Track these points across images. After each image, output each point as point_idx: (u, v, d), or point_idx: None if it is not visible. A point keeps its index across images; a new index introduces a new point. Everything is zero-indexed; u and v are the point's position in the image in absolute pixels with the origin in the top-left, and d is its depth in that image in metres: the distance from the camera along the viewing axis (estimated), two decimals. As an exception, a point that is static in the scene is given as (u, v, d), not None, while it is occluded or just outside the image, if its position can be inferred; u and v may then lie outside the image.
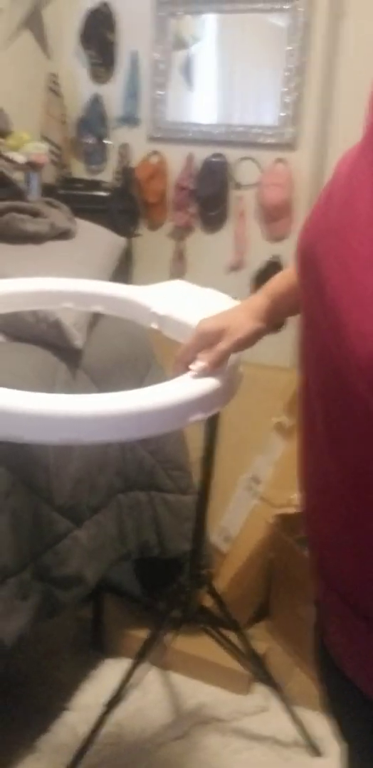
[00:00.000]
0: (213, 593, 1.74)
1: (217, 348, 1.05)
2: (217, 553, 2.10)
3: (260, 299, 1.14)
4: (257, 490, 2.22)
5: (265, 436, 2.27)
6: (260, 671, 1.76)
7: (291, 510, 2.13)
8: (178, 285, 1.43)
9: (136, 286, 1.43)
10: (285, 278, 1.15)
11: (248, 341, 1.10)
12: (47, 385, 1.54)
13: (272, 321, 1.14)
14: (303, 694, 1.90)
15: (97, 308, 1.42)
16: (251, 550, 2.11)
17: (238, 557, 2.11)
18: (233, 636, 1.79)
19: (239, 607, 2.06)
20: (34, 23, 2.87)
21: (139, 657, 1.66)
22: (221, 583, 2.05)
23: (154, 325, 1.28)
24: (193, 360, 1.07)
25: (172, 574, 1.99)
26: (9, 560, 1.39)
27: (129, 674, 1.62)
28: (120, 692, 1.61)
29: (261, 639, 2.05)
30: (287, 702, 1.75)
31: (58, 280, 1.44)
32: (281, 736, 1.79)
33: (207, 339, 1.08)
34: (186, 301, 1.31)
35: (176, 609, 1.74)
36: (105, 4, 3.00)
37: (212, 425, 1.62)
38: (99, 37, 3.02)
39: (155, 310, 1.26)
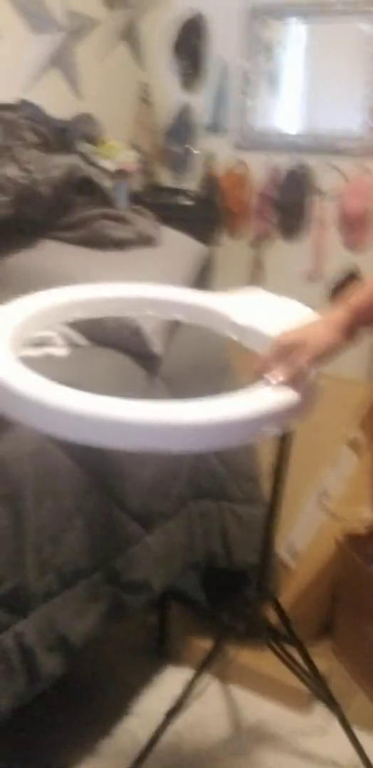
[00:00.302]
0: (278, 608, 1.74)
1: (296, 362, 1.04)
2: (283, 567, 2.09)
3: (341, 313, 1.12)
4: (326, 505, 2.20)
5: (337, 450, 2.23)
6: (322, 690, 1.74)
7: (360, 528, 2.10)
8: (256, 293, 1.42)
9: (214, 294, 1.44)
10: (367, 291, 1.14)
11: (328, 355, 1.09)
12: (126, 390, 1.57)
13: (353, 335, 1.13)
14: (365, 718, 1.87)
15: (178, 316, 1.44)
16: (317, 566, 2.09)
17: (304, 573, 2.09)
18: (295, 653, 1.78)
19: (302, 623, 2.03)
20: (129, 35, 2.94)
21: (202, 667, 1.66)
22: (286, 598, 2.03)
23: (234, 336, 1.27)
24: (271, 372, 1.06)
25: (238, 586, 1.99)
26: (82, 562, 1.43)
27: (191, 684, 1.63)
28: (181, 702, 1.62)
29: (323, 657, 2.02)
30: (348, 724, 1.72)
31: (140, 287, 1.47)
32: (339, 758, 1.76)
33: (286, 352, 1.07)
34: (265, 312, 1.30)
35: (241, 622, 1.73)
36: (198, 15, 3.04)
37: (285, 438, 1.61)
38: (190, 46, 3.06)
39: (235, 320, 1.26)
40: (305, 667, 1.74)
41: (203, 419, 0.95)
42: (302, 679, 1.77)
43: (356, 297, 1.14)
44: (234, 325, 1.27)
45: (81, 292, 1.37)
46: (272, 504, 1.66)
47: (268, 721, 1.85)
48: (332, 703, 1.72)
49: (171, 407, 0.97)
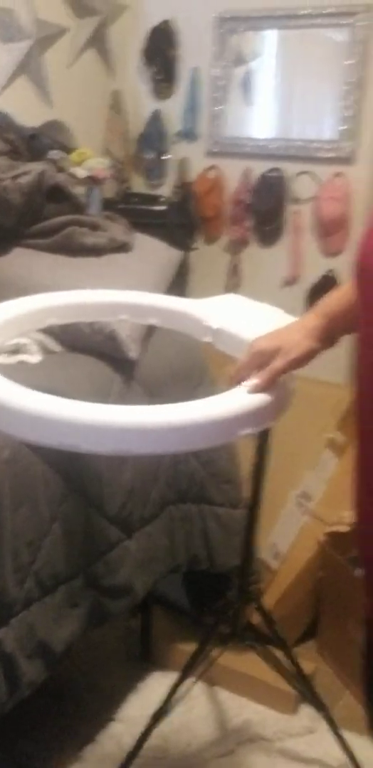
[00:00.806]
0: (261, 610, 1.73)
1: (271, 367, 1.06)
2: (266, 569, 2.09)
3: (315, 318, 1.14)
4: (307, 507, 2.20)
5: (317, 452, 2.24)
6: (308, 691, 1.73)
7: (342, 528, 2.10)
8: (232, 299, 1.43)
9: (190, 299, 1.45)
10: (341, 296, 1.14)
11: (303, 361, 1.10)
12: (102, 395, 1.57)
13: (327, 340, 1.14)
14: (351, 717, 1.86)
15: (153, 321, 1.44)
16: (300, 567, 2.09)
17: (287, 574, 2.09)
18: (280, 654, 1.77)
19: (287, 625, 2.04)
20: (98, 42, 2.95)
21: (186, 671, 1.66)
22: (270, 600, 2.03)
23: (208, 339, 1.29)
24: (246, 378, 1.07)
25: (221, 588, 1.99)
26: (61, 568, 1.42)
27: (175, 688, 1.63)
28: (166, 705, 1.61)
29: (309, 658, 2.02)
30: (334, 724, 1.72)
31: (114, 292, 1.47)
32: (327, 759, 1.76)
33: (261, 357, 1.08)
34: (240, 316, 1.31)
35: (224, 624, 1.73)
36: (167, 22, 3.05)
37: (263, 439, 1.61)
38: (161, 54, 3.07)
39: (209, 323, 1.27)
40: (290, 668, 1.74)
41: (175, 421, 0.95)
42: (288, 680, 1.77)
43: (330, 302, 1.15)
44: (208, 329, 1.28)
45: (55, 298, 1.36)
46: (252, 505, 1.66)
47: (255, 723, 1.85)
48: (317, 704, 1.72)
49: (143, 410, 0.97)
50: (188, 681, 1.69)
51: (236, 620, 1.70)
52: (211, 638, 1.69)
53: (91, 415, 0.95)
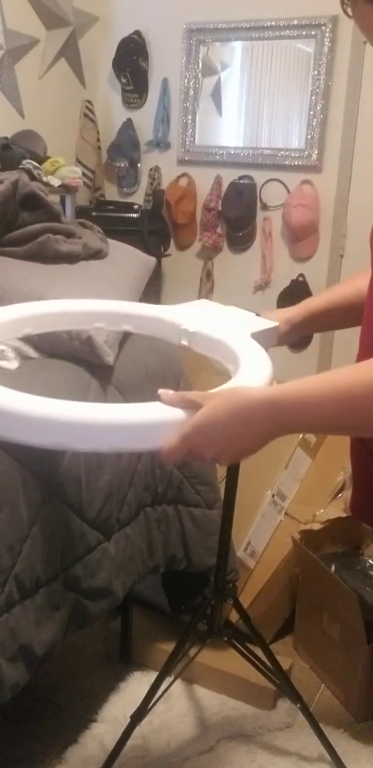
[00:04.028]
0: (238, 607, 1.77)
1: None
2: (243, 568, 2.13)
3: (295, 309, 1.24)
4: (282, 506, 2.25)
5: (290, 452, 2.29)
6: (285, 685, 1.77)
7: (316, 526, 2.15)
8: (203, 304, 1.47)
9: (163, 305, 1.48)
10: (333, 294, 1.22)
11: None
12: (80, 399, 1.59)
13: (299, 327, 1.23)
14: (328, 711, 1.91)
15: (128, 328, 1.46)
16: (276, 565, 2.13)
17: (263, 573, 2.13)
18: (258, 650, 1.81)
19: (264, 622, 2.08)
20: (70, 52, 2.98)
21: (164, 670, 1.68)
22: (247, 598, 2.07)
23: (184, 342, 1.31)
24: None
25: (199, 588, 2.02)
26: (41, 571, 1.43)
27: (154, 688, 1.65)
28: (145, 706, 1.63)
29: (286, 654, 2.06)
30: (312, 717, 1.76)
31: (89, 301, 1.49)
32: (305, 752, 1.80)
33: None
34: (214, 319, 1.35)
35: (201, 622, 1.76)
36: (138, 33, 3.10)
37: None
38: (132, 64, 3.12)
39: (185, 327, 1.29)
40: (268, 665, 1.77)
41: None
42: (266, 676, 1.80)
43: (318, 299, 1.26)
44: (184, 332, 1.30)
45: (30, 308, 1.37)
46: (227, 503, 1.69)
47: (234, 719, 1.88)
48: (295, 697, 1.75)
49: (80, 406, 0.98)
50: (167, 680, 1.71)
51: (214, 617, 1.73)
52: (188, 636, 1.72)
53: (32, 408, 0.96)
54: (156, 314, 1.39)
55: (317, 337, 2.91)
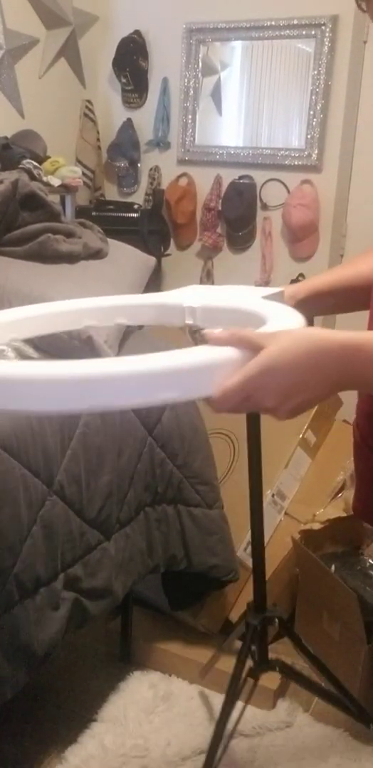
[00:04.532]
0: (289, 632, 1.70)
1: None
2: (243, 567, 2.12)
3: (299, 285, 1.18)
4: (282, 505, 2.25)
5: (290, 452, 2.29)
6: (353, 707, 1.69)
7: (316, 526, 2.15)
8: (194, 287, 1.39)
9: (154, 293, 1.42)
10: (337, 273, 1.20)
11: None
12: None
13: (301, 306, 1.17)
14: (328, 711, 1.91)
15: (122, 320, 1.35)
16: (276, 565, 2.13)
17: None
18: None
19: (264, 622, 2.08)
20: (70, 52, 2.98)
21: (230, 695, 1.61)
22: (247, 598, 2.06)
23: (189, 320, 1.19)
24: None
25: (199, 588, 2.02)
26: (41, 570, 1.44)
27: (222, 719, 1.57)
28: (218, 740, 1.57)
29: (286, 654, 2.06)
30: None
31: (78, 300, 1.41)
32: (305, 752, 1.80)
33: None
34: (213, 293, 1.28)
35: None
36: (138, 33, 3.09)
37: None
38: (132, 64, 3.11)
39: (189, 304, 1.19)
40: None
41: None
42: (330, 700, 1.74)
43: (322, 277, 1.19)
44: (188, 309, 1.21)
45: (13, 313, 1.29)
46: (254, 522, 1.65)
47: (233, 719, 1.87)
48: (367, 718, 1.68)
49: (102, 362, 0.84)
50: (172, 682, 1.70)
51: (261, 646, 1.64)
52: (241, 672, 1.61)
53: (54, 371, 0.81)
54: (152, 301, 1.32)
55: (318, 325, 2.91)
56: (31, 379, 0.81)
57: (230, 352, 0.81)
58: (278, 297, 1.16)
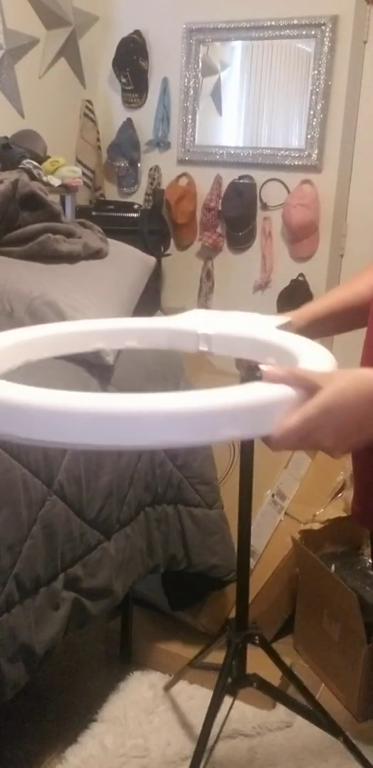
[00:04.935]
0: (268, 649, 1.69)
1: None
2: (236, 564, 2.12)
3: (298, 313, 1.20)
4: (282, 505, 2.25)
5: (290, 452, 2.29)
6: (324, 719, 1.68)
7: (316, 526, 2.15)
8: (198, 312, 1.38)
9: (163, 317, 1.40)
10: (333, 299, 1.21)
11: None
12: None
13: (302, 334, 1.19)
14: (328, 711, 1.91)
15: (132, 344, 1.32)
16: (276, 565, 2.13)
17: (263, 572, 2.13)
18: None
19: (264, 622, 2.07)
20: (70, 52, 2.98)
21: (212, 710, 1.61)
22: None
23: (204, 347, 1.18)
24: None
25: (199, 588, 2.02)
26: (41, 570, 1.44)
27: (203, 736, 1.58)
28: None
29: (286, 654, 2.06)
30: (355, 749, 1.68)
31: (87, 321, 1.40)
32: (305, 752, 1.80)
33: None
34: (224, 320, 1.28)
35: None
36: (138, 33, 3.10)
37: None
38: (132, 64, 3.11)
39: (203, 331, 1.18)
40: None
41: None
42: (300, 712, 1.75)
43: (318, 304, 1.22)
44: (203, 336, 1.21)
45: (26, 334, 1.27)
46: (241, 548, 1.65)
47: (233, 719, 1.87)
48: (336, 730, 1.68)
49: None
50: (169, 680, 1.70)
51: (240, 662, 1.63)
52: (222, 689, 1.61)
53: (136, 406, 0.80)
54: (163, 325, 1.31)
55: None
56: (103, 414, 0.79)
57: (288, 391, 0.82)
58: (288, 327, 1.18)
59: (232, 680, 1.62)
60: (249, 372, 1.24)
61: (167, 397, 0.79)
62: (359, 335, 1.14)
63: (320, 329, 1.22)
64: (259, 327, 1.16)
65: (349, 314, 1.20)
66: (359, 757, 1.67)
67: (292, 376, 0.82)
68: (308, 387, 0.81)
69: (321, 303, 1.25)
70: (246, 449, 1.58)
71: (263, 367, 0.86)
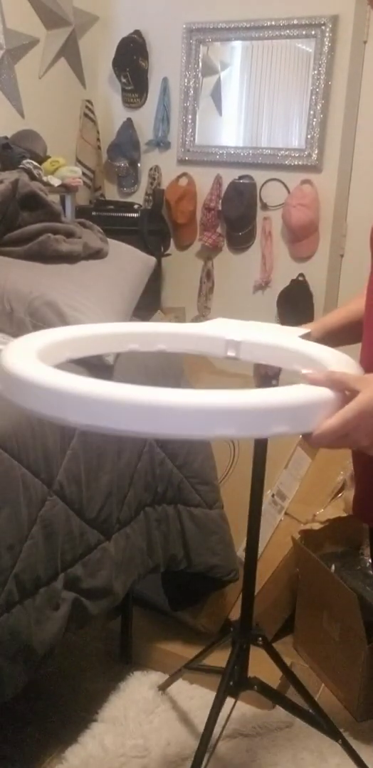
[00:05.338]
0: (271, 651, 1.69)
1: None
2: (243, 567, 2.12)
3: (312, 326, 1.29)
4: (282, 505, 2.25)
5: (290, 452, 2.29)
6: (324, 722, 1.68)
7: (316, 526, 2.15)
8: (224, 321, 1.43)
9: (189, 324, 1.44)
10: (342, 312, 1.28)
11: None
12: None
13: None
14: (328, 711, 1.90)
15: (163, 347, 1.36)
16: (276, 565, 2.13)
17: (264, 572, 2.13)
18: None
19: (264, 622, 2.08)
20: (70, 52, 2.98)
21: (214, 713, 1.60)
22: (247, 598, 2.07)
23: (232, 353, 1.26)
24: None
25: (199, 588, 2.02)
26: (41, 570, 1.44)
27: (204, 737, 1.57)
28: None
29: (286, 654, 2.06)
30: (354, 752, 1.68)
31: (122, 324, 1.46)
32: (305, 752, 1.80)
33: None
34: (250, 328, 1.33)
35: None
36: (138, 33, 3.10)
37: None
38: (132, 64, 3.12)
39: (232, 337, 1.26)
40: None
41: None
42: (301, 716, 1.74)
43: (330, 317, 1.30)
44: (231, 343, 1.27)
45: (66, 333, 1.31)
46: (250, 549, 1.66)
47: (233, 719, 1.87)
48: (335, 734, 1.69)
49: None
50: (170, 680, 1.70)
51: (243, 663, 1.64)
52: (224, 690, 1.61)
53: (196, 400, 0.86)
54: (192, 331, 1.36)
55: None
56: (172, 406, 0.86)
57: (329, 394, 0.90)
58: (308, 337, 1.28)
59: (233, 683, 1.63)
60: (265, 379, 1.35)
61: (227, 393, 0.86)
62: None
63: (332, 341, 1.26)
64: (283, 336, 1.24)
65: (358, 327, 1.23)
66: (357, 760, 1.67)
67: (332, 380, 0.90)
68: (347, 389, 0.89)
69: (334, 317, 1.32)
70: (259, 449, 1.60)
71: (304, 371, 0.93)
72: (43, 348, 1.14)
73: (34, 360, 0.99)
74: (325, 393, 0.90)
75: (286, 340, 1.22)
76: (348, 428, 0.87)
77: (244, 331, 1.28)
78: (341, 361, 1.04)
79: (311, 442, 0.88)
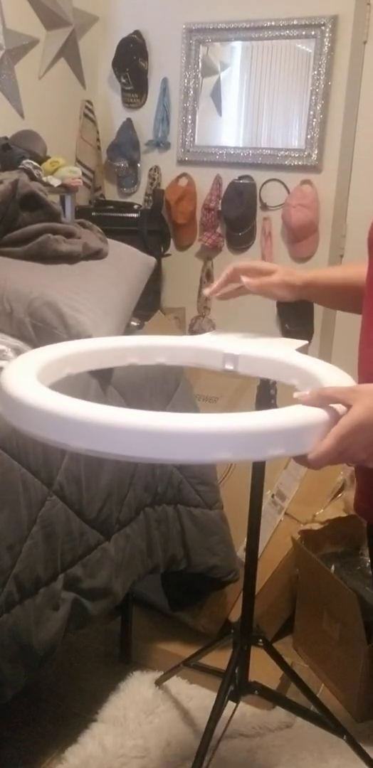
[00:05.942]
0: (271, 651, 1.69)
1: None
2: (243, 567, 2.12)
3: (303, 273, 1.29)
4: (282, 506, 2.25)
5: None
6: (329, 721, 1.68)
7: (316, 526, 2.15)
8: (217, 334, 1.45)
9: (188, 337, 1.46)
10: (337, 271, 1.29)
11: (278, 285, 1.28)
12: (80, 399, 1.59)
13: (303, 288, 1.28)
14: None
15: (163, 360, 1.38)
16: (276, 565, 2.13)
17: (263, 573, 2.13)
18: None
19: (264, 622, 2.08)
20: (69, 53, 2.98)
21: (214, 715, 1.59)
22: (247, 598, 2.07)
23: (229, 366, 1.28)
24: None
25: (199, 588, 2.02)
26: (41, 571, 1.44)
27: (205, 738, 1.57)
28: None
29: (286, 654, 2.06)
30: (359, 748, 1.68)
31: (121, 338, 1.48)
32: (305, 752, 1.80)
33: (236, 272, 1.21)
34: (246, 341, 1.35)
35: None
36: (138, 33, 3.10)
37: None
38: (132, 64, 3.12)
39: (230, 351, 1.28)
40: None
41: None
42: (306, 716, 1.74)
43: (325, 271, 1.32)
44: (229, 356, 1.29)
45: (67, 348, 1.33)
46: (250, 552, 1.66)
47: (234, 719, 1.87)
48: (340, 730, 1.68)
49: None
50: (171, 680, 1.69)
51: (243, 666, 1.64)
52: (225, 692, 1.61)
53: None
54: (191, 344, 1.38)
55: (317, 332, 2.92)
56: (170, 432, 0.87)
57: (321, 413, 0.90)
58: (304, 350, 1.30)
59: (234, 687, 1.63)
60: (266, 380, 1.38)
61: (223, 417, 0.88)
62: (357, 335, 1.14)
63: (315, 294, 1.31)
64: (280, 349, 1.27)
65: (348, 292, 1.24)
66: (363, 755, 1.67)
67: (323, 397, 0.89)
68: (339, 404, 0.89)
69: (325, 272, 1.32)
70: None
71: (296, 394, 0.93)
72: (43, 365, 1.15)
73: (34, 382, 1.00)
74: (319, 414, 0.90)
75: (283, 353, 1.24)
76: (344, 445, 0.86)
77: (242, 345, 1.31)
78: (335, 375, 1.05)
79: (308, 465, 0.87)
